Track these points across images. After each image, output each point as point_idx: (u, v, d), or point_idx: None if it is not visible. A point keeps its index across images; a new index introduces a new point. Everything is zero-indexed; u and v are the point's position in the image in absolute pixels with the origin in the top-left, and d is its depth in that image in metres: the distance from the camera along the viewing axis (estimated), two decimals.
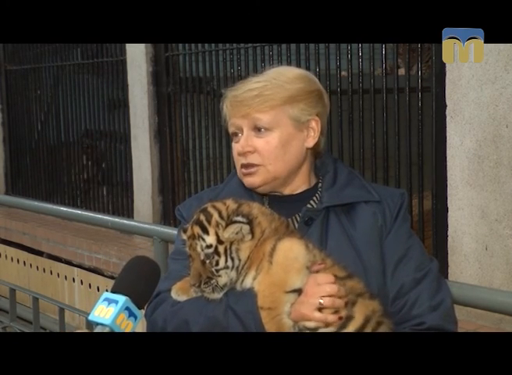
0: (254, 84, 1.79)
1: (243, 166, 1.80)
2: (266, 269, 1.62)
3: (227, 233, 1.63)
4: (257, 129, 1.78)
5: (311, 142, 1.83)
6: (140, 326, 1.53)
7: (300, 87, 1.79)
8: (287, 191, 1.84)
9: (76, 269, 5.63)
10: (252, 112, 1.77)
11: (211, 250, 1.63)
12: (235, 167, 1.87)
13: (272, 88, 1.77)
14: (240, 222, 1.63)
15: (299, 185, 1.85)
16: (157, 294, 1.76)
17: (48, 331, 4.29)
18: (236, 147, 1.81)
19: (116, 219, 4.07)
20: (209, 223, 1.65)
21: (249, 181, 1.81)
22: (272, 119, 1.77)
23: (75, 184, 6.78)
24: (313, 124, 1.82)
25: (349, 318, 1.62)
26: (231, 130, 1.84)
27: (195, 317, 1.67)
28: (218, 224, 1.65)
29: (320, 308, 1.60)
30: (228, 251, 1.63)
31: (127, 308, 1.45)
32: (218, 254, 1.63)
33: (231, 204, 1.69)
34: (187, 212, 1.84)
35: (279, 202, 1.83)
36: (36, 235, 6.12)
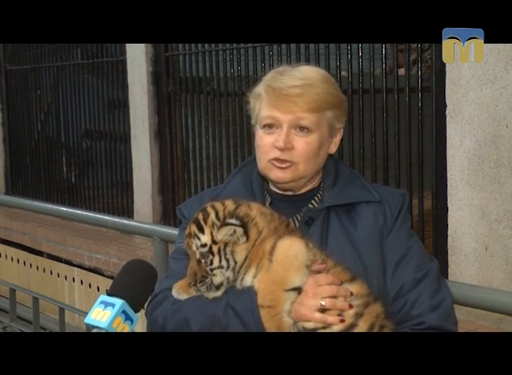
0: (298, 81, 1.76)
1: (277, 159, 1.78)
2: (266, 268, 1.62)
3: (220, 235, 1.63)
4: (299, 128, 1.77)
5: (333, 148, 1.86)
6: (141, 325, 1.53)
7: (336, 94, 1.81)
8: (302, 190, 1.85)
9: (76, 269, 5.63)
10: (299, 110, 1.75)
11: (205, 249, 1.64)
12: (236, 167, 1.87)
13: (315, 89, 1.76)
14: (232, 224, 1.63)
15: (311, 186, 1.86)
16: (157, 292, 1.76)
17: (48, 331, 4.29)
18: (272, 141, 1.78)
19: (116, 219, 4.07)
20: (205, 222, 1.65)
21: (279, 176, 1.80)
22: (316, 120, 1.77)
23: (75, 184, 6.78)
24: (339, 131, 1.86)
25: (353, 326, 1.62)
26: (266, 121, 1.79)
27: (195, 315, 1.67)
28: (213, 224, 1.65)
29: (321, 310, 1.60)
30: (222, 252, 1.63)
31: (124, 312, 1.45)
32: (212, 253, 1.63)
33: (229, 204, 1.69)
34: (188, 212, 1.84)
35: (280, 202, 1.84)
36: (36, 235, 6.12)
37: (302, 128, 1.77)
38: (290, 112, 1.76)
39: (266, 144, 1.79)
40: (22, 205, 5.37)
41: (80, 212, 4.70)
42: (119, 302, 1.45)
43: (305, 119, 1.76)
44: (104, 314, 1.44)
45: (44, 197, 7.02)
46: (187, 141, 5.50)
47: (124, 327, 1.45)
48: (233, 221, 1.64)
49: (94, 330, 1.43)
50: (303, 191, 1.85)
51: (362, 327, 1.63)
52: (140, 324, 1.50)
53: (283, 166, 1.78)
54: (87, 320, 1.45)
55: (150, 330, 1.78)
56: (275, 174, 1.80)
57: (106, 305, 1.45)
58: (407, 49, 3.99)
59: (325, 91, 1.77)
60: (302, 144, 1.77)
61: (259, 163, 1.83)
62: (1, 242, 6.65)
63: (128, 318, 1.46)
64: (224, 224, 1.64)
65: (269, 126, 1.79)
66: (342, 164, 1.92)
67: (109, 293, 1.49)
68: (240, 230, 1.63)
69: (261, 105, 1.80)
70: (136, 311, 1.49)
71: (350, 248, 1.77)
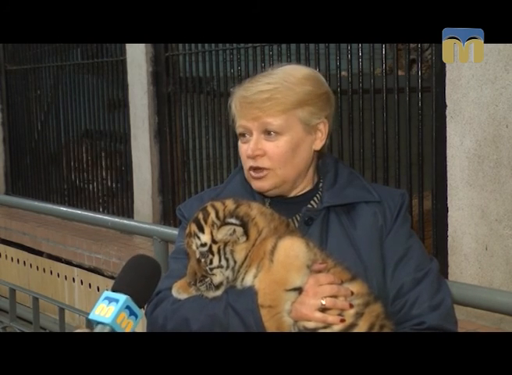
0: (264, 86, 1.76)
1: (252, 168, 1.79)
2: (267, 267, 1.62)
3: (220, 234, 1.64)
4: (268, 132, 1.77)
5: (318, 144, 1.83)
6: (141, 325, 1.53)
7: (309, 90, 1.78)
8: (293, 193, 1.85)
9: (76, 269, 5.64)
10: (263, 115, 1.75)
11: (205, 248, 1.64)
12: (236, 167, 1.87)
13: (283, 91, 1.75)
14: (232, 224, 1.63)
15: (304, 187, 1.85)
16: (157, 292, 1.76)
17: (47, 331, 4.29)
18: (246, 149, 1.80)
19: (116, 219, 4.07)
20: (205, 221, 1.66)
21: (258, 185, 1.80)
22: (283, 123, 1.76)
23: (75, 184, 6.78)
24: (321, 127, 1.82)
25: (353, 325, 1.62)
26: (239, 130, 1.82)
27: (195, 315, 1.68)
28: (213, 224, 1.65)
29: (322, 309, 1.60)
30: (222, 252, 1.64)
31: (128, 307, 1.45)
32: (212, 253, 1.64)
33: (230, 204, 1.69)
34: (188, 212, 1.84)
35: (280, 202, 1.83)
36: (36, 235, 6.12)
37: (270, 133, 1.76)
38: (256, 118, 1.76)
39: (243, 153, 1.81)
40: (22, 205, 5.37)
41: (79, 212, 4.70)
42: (122, 298, 1.45)
43: (271, 123, 1.75)
44: (108, 310, 1.43)
45: (44, 197, 7.02)
46: (187, 141, 5.50)
47: (128, 323, 1.44)
48: (233, 220, 1.64)
49: (98, 326, 1.43)
50: (299, 192, 1.85)
51: (362, 327, 1.63)
52: (140, 324, 1.50)
53: (260, 175, 1.78)
54: (91, 316, 1.44)
55: (150, 329, 1.78)
56: (254, 184, 1.81)
57: (110, 300, 1.45)
58: (407, 49, 3.98)
59: (294, 91, 1.76)
60: (272, 148, 1.77)
61: None
62: (1, 242, 6.65)
63: (132, 313, 1.45)
64: (224, 224, 1.64)
65: (243, 135, 1.81)
66: (341, 164, 1.91)
67: (113, 289, 1.49)
68: (239, 230, 1.63)
69: (234, 116, 1.82)
70: (141, 306, 1.49)
71: (349, 248, 1.76)
